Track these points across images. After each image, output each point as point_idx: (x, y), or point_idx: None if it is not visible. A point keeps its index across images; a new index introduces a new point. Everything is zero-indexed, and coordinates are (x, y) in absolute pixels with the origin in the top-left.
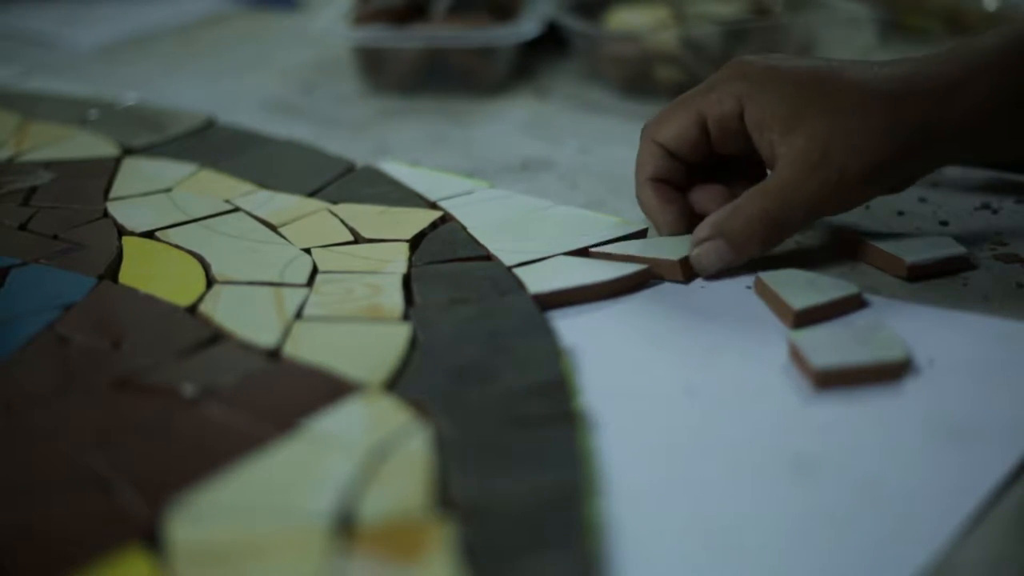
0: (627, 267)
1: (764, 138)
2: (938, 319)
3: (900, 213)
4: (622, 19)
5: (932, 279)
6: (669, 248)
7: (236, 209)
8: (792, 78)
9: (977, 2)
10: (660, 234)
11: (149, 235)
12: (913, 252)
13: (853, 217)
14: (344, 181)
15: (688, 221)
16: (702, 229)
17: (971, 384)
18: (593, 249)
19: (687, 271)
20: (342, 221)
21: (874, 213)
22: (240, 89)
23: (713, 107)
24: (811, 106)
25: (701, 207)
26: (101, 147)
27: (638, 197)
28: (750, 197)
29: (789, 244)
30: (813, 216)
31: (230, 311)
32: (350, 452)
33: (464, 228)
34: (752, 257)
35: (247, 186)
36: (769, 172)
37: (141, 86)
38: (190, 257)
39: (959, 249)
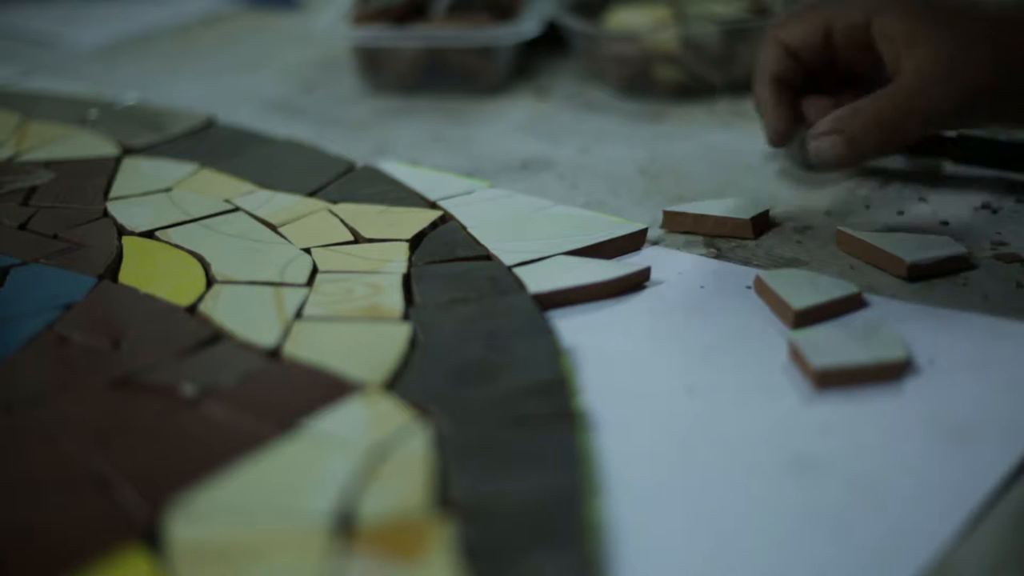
0: (627, 267)
1: (890, 49)
2: (938, 319)
3: (900, 213)
4: (622, 19)
5: (932, 279)
6: (739, 208)
7: (236, 209)
8: None
9: None
10: (766, 132)
11: (149, 235)
12: (913, 252)
13: (853, 217)
14: (344, 181)
15: (794, 128)
16: (823, 123)
17: (971, 384)
18: (667, 209)
19: (757, 230)
20: (342, 221)
21: (874, 213)
22: (240, 89)
23: (841, 16)
24: (940, 21)
25: (807, 114)
26: (101, 147)
27: (755, 93)
28: (873, 99)
29: (789, 243)
30: (930, 126)
31: (230, 311)
32: (350, 452)
33: (464, 228)
34: (866, 158)
35: (247, 186)
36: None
37: (141, 86)
38: (190, 257)
39: (959, 249)
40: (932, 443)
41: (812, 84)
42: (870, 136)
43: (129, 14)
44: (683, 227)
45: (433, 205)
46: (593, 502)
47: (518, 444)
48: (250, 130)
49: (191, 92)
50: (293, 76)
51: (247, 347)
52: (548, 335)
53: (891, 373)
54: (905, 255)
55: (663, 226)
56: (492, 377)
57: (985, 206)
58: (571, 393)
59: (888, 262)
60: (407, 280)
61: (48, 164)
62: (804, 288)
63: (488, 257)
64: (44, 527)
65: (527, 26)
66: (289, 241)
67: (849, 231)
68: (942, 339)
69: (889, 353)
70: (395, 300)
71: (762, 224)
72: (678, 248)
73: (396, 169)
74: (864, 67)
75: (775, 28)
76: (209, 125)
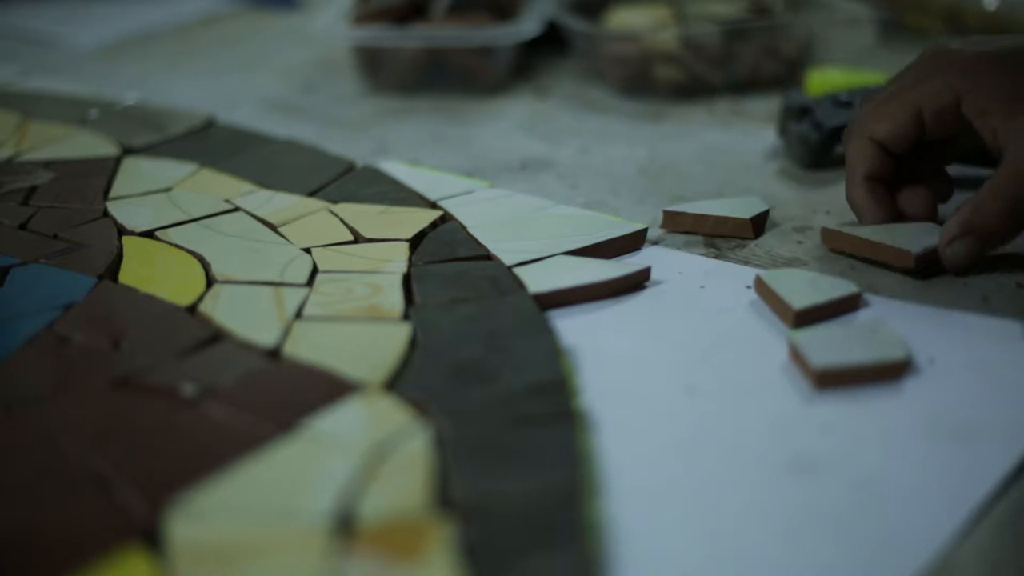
0: (627, 267)
1: (986, 125)
2: (938, 319)
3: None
4: (622, 19)
5: (933, 277)
6: (739, 208)
7: (236, 209)
8: (1006, 62)
9: (977, 2)
10: None
11: (149, 235)
12: (917, 242)
13: (853, 217)
14: (344, 181)
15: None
16: (950, 229)
17: (971, 384)
18: (667, 209)
19: (756, 230)
20: (342, 221)
21: None
22: (240, 89)
23: (929, 100)
24: None
25: (905, 210)
26: (101, 147)
27: (849, 196)
28: (990, 190)
29: (789, 243)
30: None
31: (230, 311)
32: (350, 452)
33: (464, 228)
34: (1001, 245)
35: (247, 186)
36: (999, 159)
37: (141, 86)
38: (190, 257)
39: None
40: (932, 443)
41: (900, 169)
42: (998, 228)
43: (129, 14)
44: (683, 227)
45: (433, 205)
46: (593, 502)
47: (518, 444)
48: (250, 130)
49: (191, 92)
50: (293, 76)
51: (247, 347)
52: (548, 335)
53: (891, 373)
54: (911, 246)
55: (663, 226)
56: (492, 377)
57: None
58: (571, 393)
59: (894, 256)
60: (407, 280)
61: (48, 164)
62: (804, 288)
63: (488, 257)
64: (44, 527)
65: (527, 26)
66: (289, 241)
67: (835, 227)
68: (942, 339)
69: (889, 353)
70: (395, 300)
71: (762, 224)
72: (678, 248)
73: (396, 169)
74: (954, 137)
75: (862, 125)
76: (209, 125)
